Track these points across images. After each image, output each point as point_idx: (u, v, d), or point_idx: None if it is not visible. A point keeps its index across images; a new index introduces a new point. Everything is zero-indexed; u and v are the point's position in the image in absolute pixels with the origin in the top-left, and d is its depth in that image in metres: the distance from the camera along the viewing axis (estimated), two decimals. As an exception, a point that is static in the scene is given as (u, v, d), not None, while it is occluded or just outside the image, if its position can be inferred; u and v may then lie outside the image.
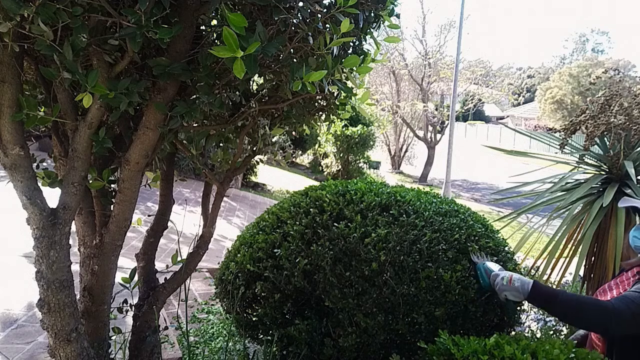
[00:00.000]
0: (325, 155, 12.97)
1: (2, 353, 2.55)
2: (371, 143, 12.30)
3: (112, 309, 1.83)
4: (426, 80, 16.78)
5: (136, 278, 1.95)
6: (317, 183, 3.11)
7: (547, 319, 3.26)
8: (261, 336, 2.24)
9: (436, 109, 17.01)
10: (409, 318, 1.88)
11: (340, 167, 12.28)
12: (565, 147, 2.75)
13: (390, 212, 2.08)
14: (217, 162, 2.10)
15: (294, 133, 2.15)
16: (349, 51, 1.68)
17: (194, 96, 1.53)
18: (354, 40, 1.66)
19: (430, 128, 17.13)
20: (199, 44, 1.45)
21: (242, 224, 6.92)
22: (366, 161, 12.91)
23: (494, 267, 1.89)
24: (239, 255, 2.26)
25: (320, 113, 1.96)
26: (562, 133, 2.76)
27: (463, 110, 18.53)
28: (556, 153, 2.94)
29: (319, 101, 1.91)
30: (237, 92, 1.78)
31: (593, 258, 2.81)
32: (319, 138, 12.65)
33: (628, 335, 1.64)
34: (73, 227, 1.62)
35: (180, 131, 1.78)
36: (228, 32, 1.06)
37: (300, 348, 1.98)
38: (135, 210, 1.68)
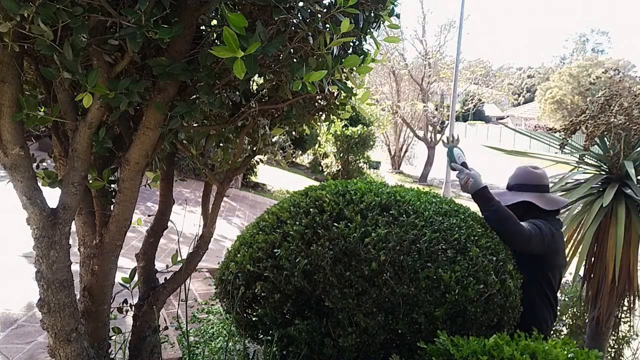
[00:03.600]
0: (325, 155, 12.96)
1: (2, 353, 2.55)
2: (371, 143, 12.30)
3: (112, 309, 1.83)
4: (426, 80, 16.78)
5: (136, 278, 1.95)
6: (317, 183, 3.11)
7: (547, 319, 3.26)
8: (261, 336, 2.24)
9: (436, 109, 17.01)
10: (408, 318, 1.88)
11: (340, 167, 12.28)
12: (565, 147, 2.76)
13: (390, 212, 2.08)
14: (217, 162, 2.10)
15: (294, 133, 2.15)
16: (349, 51, 1.68)
17: (194, 96, 1.53)
18: (354, 40, 1.66)
19: (430, 128, 17.13)
20: (199, 44, 1.45)
21: (242, 224, 6.92)
22: (366, 161, 12.91)
23: (457, 156, 2.36)
24: (238, 255, 2.26)
25: (320, 113, 1.95)
26: (562, 133, 2.76)
27: (463, 110, 18.53)
28: (556, 153, 2.94)
29: (319, 101, 1.91)
30: (237, 92, 1.78)
31: (593, 258, 2.81)
32: (319, 138, 12.64)
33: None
34: (73, 227, 1.62)
35: (180, 131, 1.78)
36: (228, 32, 1.06)
37: (300, 348, 1.98)
38: (135, 210, 1.68)
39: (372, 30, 1.68)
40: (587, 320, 3.04)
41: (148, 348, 2.02)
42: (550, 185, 2.94)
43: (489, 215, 2.15)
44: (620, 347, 3.24)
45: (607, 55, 55.14)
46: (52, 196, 1.49)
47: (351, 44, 1.68)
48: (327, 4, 1.45)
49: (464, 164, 2.33)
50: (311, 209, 2.15)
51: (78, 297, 1.70)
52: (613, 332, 3.11)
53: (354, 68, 1.54)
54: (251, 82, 1.89)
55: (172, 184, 2.05)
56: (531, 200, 2.27)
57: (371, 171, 13.92)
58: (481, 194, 2.17)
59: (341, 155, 12.08)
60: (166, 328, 2.90)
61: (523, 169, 2.44)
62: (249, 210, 7.95)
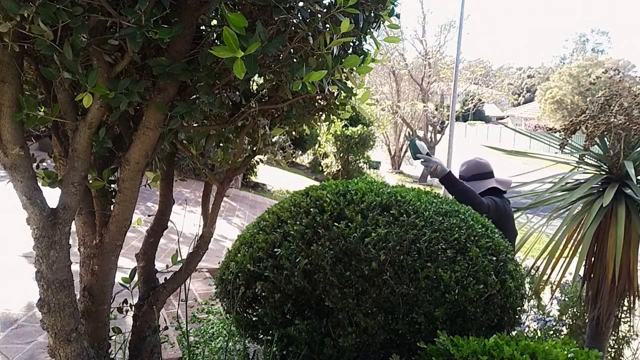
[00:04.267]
0: (325, 155, 12.95)
1: (2, 353, 2.55)
2: (371, 143, 12.29)
3: (112, 309, 1.83)
4: (426, 80, 16.78)
5: (136, 278, 1.95)
6: (317, 183, 3.11)
7: (547, 319, 3.26)
8: (261, 336, 2.24)
9: (436, 109, 17.01)
10: (408, 318, 1.88)
11: (340, 167, 12.27)
12: (565, 147, 2.75)
13: (391, 212, 2.08)
14: (217, 162, 2.10)
15: (294, 133, 2.15)
16: (349, 51, 1.68)
17: (194, 96, 1.53)
18: (354, 40, 1.66)
19: (430, 128, 17.13)
20: (199, 44, 1.45)
21: (242, 224, 6.92)
22: (366, 161, 12.90)
23: (421, 147, 2.79)
24: (239, 255, 2.26)
25: (320, 113, 1.95)
26: (562, 133, 2.75)
27: (463, 110, 18.53)
28: (556, 153, 2.93)
29: (319, 101, 1.91)
30: (237, 92, 1.78)
31: (593, 258, 2.81)
32: (319, 138, 12.63)
33: None
34: (73, 227, 1.62)
35: (180, 131, 1.78)
36: (228, 32, 1.06)
37: (300, 348, 1.98)
38: (135, 210, 1.68)
39: (372, 30, 1.68)
40: (587, 320, 3.04)
41: (148, 348, 2.02)
42: (550, 185, 2.95)
43: (458, 193, 2.65)
44: (620, 347, 3.24)
45: (607, 55, 55.14)
46: (52, 196, 1.49)
47: (351, 44, 1.68)
48: (327, 4, 1.45)
49: (427, 154, 2.79)
50: (312, 209, 2.15)
51: (78, 297, 1.70)
52: (613, 332, 3.11)
53: (354, 68, 1.54)
54: (251, 82, 1.89)
55: (172, 184, 2.05)
56: (495, 185, 2.89)
57: (371, 171, 13.92)
58: (448, 178, 2.68)
59: (341, 155, 12.07)
60: (166, 328, 2.89)
61: (475, 162, 3.02)
62: (249, 210, 7.95)
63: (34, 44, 1.20)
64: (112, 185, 1.77)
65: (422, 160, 2.76)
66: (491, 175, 2.97)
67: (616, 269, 2.51)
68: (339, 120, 2.06)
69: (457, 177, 2.97)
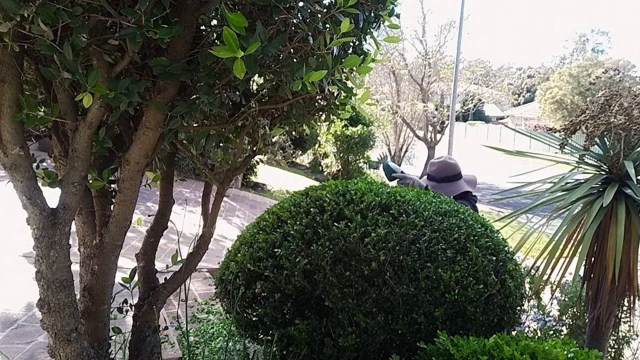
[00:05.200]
0: (325, 155, 12.96)
1: (2, 353, 2.55)
2: (371, 143, 12.30)
3: (112, 309, 1.83)
4: (426, 80, 16.77)
5: (136, 278, 1.95)
6: (317, 183, 3.11)
7: (547, 319, 3.26)
8: (261, 336, 2.24)
9: (436, 109, 16.99)
10: (408, 318, 1.88)
11: (340, 167, 12.28)
12: (565, 147, 2.75)
13: (390, 211, 2.08)
14: (217, 162, 2.10)
15: (294, 133, 2.15)
16: (349, 51, 1.68)
17: (194, 96, 1.53)
18: (354, 40, 1.66)
19: (430, 128, 17.11)
20: (199, 44, 1.45)
21: (242, 224, 6.92)
22: (366, 161, 12.90)
23: (394, 167, 2.97)
24: (239, 255, 2.26)
25: (320, 113, 1.95)
26: (562, 133, 2.75)
27: (463, 110, 18.52)
28: (556, 153, 2.93)
29: (319, 101, 1.91)
30: (237, 92, 1.78)
31: (593, 258, 2.81)
32: (319, 138, 12.64)
33: None
34: (73, 227, 1.62)
35: (180, 131, 1.78)
36: (228, 32, 1.06)
37: (300, 348, 1.98)
38: (135, 210, 1.68)
39: (372, 30, 1.68)
40: (587, 320, 3.04)
41: (148, 348, 2.02)
42: (550, 185, 2.95)
43: None
44: (620, 347, 3.24)
45: (607, 55, 55.19)
46: (52, 196, 1.49)
47: (351, 44, 1.68)
48: (327, 4, 1.45)
49: (402, 172, 2.91)
50: (311, 209, 2.15)
51: (78, 297, 1.70)
52: (613, 332, 3.11)
53: (354, 68, 1.54)
54: (251, 82, 1.89)
55: (172, 184, 2.05)
56: (467, 189, 2.94)
57: (371, 171, 13.92)
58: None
59: (341, 155, 12.07)
60: (166, 328, 2.90)
61: (446, 163, 3.01)
62: (249, 210, 7.95)
63: (34, 44, 1.20)
64: (112, 185, 1.77)
65: (398, 179, 2.88)
66: (460, 176, 3.02)
67: (616, 269, 2.51)
68: (339, 120, 2.06)
69: (426, 175, 3.11)
